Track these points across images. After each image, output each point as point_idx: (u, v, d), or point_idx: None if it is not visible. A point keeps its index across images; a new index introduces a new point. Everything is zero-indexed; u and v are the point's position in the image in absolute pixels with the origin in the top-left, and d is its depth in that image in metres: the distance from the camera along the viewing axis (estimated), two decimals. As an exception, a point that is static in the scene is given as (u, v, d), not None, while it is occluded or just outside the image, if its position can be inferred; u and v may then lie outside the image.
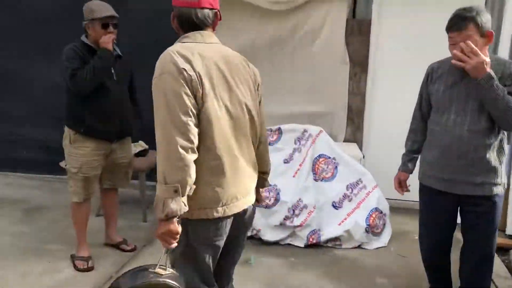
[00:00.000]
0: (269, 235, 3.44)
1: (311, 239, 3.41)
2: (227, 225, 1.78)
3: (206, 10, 1.75)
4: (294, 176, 3.59)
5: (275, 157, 3.67)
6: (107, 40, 2.88)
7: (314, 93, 4.28)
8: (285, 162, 3.65)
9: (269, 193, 3.44)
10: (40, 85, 4.62)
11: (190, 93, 1.59)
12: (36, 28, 4.56)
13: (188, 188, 1.58)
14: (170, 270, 1.68)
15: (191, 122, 1.58)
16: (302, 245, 3.44)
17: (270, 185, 3.30)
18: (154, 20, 4.34)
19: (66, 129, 3.03)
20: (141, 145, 4.03)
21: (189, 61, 1.62)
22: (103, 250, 3.34)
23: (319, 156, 3.65)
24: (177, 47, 1.68)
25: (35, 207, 4.08)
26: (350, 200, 3.57)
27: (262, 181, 2.03)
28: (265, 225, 3.44)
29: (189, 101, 1.58)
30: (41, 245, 3.37)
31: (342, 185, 3.60)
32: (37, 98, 4.69)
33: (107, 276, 3.01)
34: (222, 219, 1.73)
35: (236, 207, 1.76)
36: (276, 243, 3.47)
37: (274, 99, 4.32)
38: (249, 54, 4.19)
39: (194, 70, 1.61)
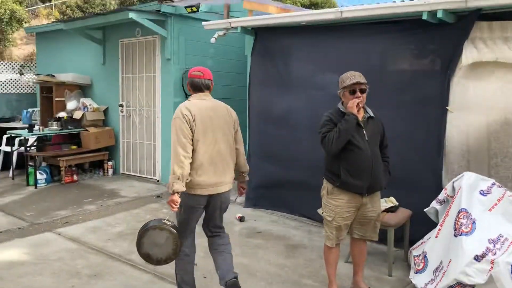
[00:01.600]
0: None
1: None
2: (203, 200, 3.21)
3: (207, 81, 3.26)
4: None
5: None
6: (351, 105, 3.30)
7: None
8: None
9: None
10: (309, 139, 5.32)
11: (188, 127, 3.07)
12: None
13: (185, 178, 3.02)
14: (172, 223, 3.16)
15: (188, 143, 3.06)
16: None
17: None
18: (411, 81, 4.63)
19: (324, 181, 3.52)
20: (392, 201, 4.23)
21: (189, 110, 3.11)
22: (350, 295, 3.64)
23: None
24: (185, 103, 3.21)
25: (294, 245, 4.71)
26: None
27: (242, 177, 3.53)
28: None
29: (187, 131, 3.07)
30: (298, 279, 3.90)
31: None
32: (304, 148, 5.42)
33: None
34: (200, 196, 3.18)
35: (209, 191, 3.18)
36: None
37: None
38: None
39: (191, 115, 3.09)
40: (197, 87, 3.25)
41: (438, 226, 3.79)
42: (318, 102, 5.18)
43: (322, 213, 3.56)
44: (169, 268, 4.06)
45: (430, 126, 4.50)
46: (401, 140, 4.57)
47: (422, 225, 4.19)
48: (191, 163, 3.06)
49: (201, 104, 3.19)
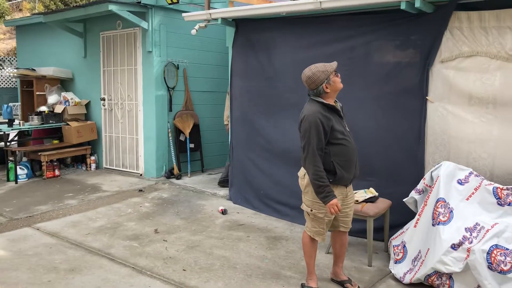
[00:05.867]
0: (503, 304, 3.14)
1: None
2: None
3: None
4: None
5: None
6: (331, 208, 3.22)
7: None
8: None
9: (505, 257, 3.17)
10: (291, 131, 5.33)
11: None
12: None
13: None
14: None
15: None
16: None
17: (501, 246, 3.16)
18: (392, 72, 4.62)
19: None
20: (371, 192, 4.23)
21: None
22: (329, 285, 3.63)
23: None
24: None
25: (276, 237, 4.70)
26: None
27: None
28: (498, 292, 3.16)
29: None
30: (278, 270, 3.89)
31: None
32: (287, 141, 5.42)
33: (331, 309, 3.28)
34: None
35: None
36: (511, 315, 3.15)
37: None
38: None
39: None
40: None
41: (417, 216, 3.80)
42: (300, 94, 5.15)
43: (311, 210, 3.36)
44: (148, 262, 4.04)
45: (410, 116, 4.49)
46: (382, 131, 4.57)
47: (402, 215, 4.21)
48: None
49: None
